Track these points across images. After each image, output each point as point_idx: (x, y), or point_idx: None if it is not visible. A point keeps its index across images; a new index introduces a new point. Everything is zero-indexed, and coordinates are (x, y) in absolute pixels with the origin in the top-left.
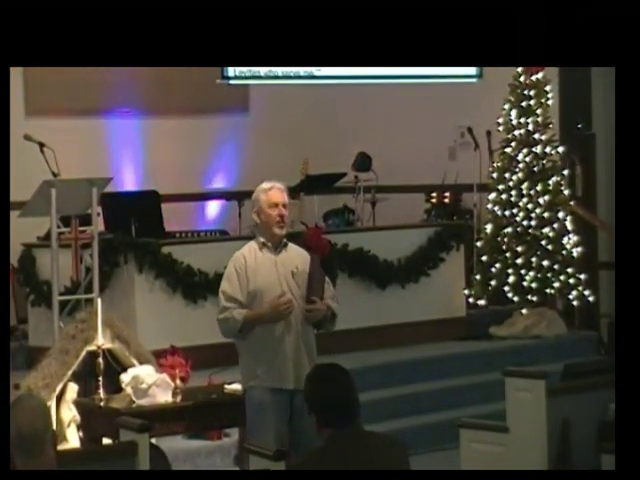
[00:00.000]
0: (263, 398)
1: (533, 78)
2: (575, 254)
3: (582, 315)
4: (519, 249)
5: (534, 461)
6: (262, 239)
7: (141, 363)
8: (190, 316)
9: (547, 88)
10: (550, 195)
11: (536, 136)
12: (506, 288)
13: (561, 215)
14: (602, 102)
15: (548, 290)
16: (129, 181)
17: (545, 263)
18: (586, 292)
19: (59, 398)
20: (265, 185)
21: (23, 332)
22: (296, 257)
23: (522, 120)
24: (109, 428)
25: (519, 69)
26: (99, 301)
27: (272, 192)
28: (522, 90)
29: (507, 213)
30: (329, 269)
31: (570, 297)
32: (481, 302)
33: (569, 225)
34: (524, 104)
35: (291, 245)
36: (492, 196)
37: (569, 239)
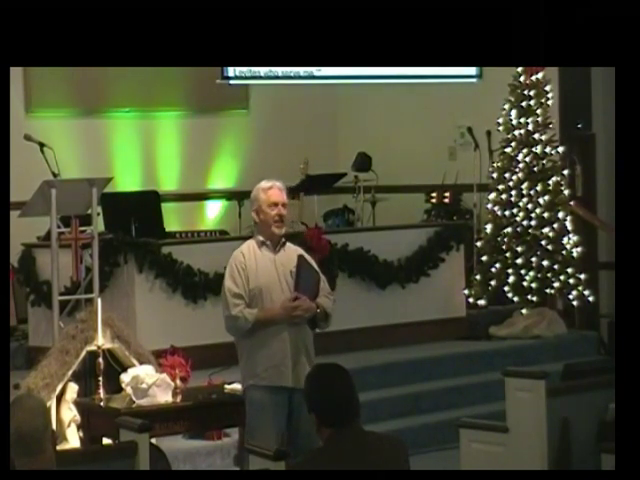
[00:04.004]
0: (262, 397)
1: (533, 78)
2: (575, 254)
3: (582, 315)
4: (519, 249)
5: (534, 461)
6: (261, 238)
7: (141, 363)
8: (190, 316)
9: (547, 88)
10: (550, 195)
11: (536, 136)
12: (506, 288)
13: (561, 215)
14: (602, 102)
15: (548, 290)
16: (129, 181)
17: (545, 263)
18: (586, 292)
19: (59, 398)
20: (265, 184)
21: (23, 332)
22: (294, 256)
23: (522, 120)
24: (109, 428)
25: (519, 69)
26: (99, 301)
27: (272, 191)
28: (522, 90)
29: (507, 213)
30: (329, 269)
31: (570, 297)
32: (481, 302)
33: (569, 225)
34: (524, 104)
35: (289, 244)
36: (492, 196)
37: (569, 239)
